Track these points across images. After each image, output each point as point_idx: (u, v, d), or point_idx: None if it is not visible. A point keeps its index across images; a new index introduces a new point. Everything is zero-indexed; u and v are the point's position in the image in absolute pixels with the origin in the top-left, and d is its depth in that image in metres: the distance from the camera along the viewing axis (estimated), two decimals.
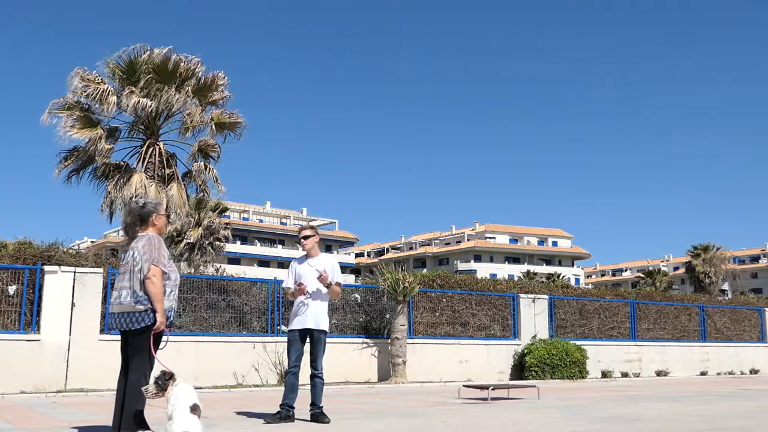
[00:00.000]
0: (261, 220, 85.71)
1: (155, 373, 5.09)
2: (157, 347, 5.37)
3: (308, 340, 7.11)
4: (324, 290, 7.12)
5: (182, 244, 39.11)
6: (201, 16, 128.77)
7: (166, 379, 5.00)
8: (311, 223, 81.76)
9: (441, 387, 13.78)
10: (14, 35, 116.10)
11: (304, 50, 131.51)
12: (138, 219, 5.66)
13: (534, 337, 16.84)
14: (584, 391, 12.85)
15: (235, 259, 66.43)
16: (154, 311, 5.31)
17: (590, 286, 38.52)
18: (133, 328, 5.31)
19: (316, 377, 7.02)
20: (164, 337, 5.52)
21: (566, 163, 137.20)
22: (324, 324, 7.12)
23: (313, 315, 7.04)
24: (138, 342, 5.35)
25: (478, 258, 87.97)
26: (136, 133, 18.05)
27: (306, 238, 7.26)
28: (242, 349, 13.30)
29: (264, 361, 13.38)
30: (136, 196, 16.63)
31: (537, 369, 15.79)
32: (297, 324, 7.08)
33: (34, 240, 13.35)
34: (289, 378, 7.04)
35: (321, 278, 7.00)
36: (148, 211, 5.66)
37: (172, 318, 5.53)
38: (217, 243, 41.12)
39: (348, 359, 14.42)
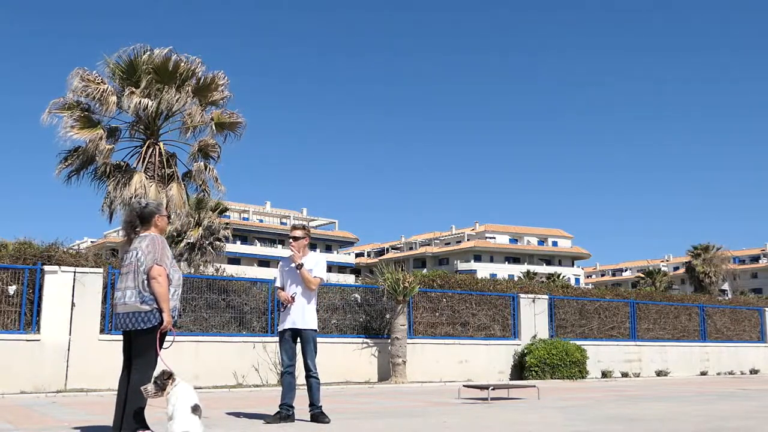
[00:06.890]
0: (261, 220, 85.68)
1: (155, 372, 5.10)
2: (161, 347, 5.38)
3: (298, 340, 7.04)
4: (309, 287, 7.02)
5: (182, 244, 39.14)
6: (201, 16, 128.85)
7: (165, 378, 5.00)
8: (311, 223, 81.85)
9: (441, 387, 13.78)
10: (14, 35, 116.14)
11: (304, 50, 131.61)
12: (138, 219, 5.66)
13: (534, 337, 16.84)
14: (584, 391, 12.85)
15: (235, 259, 66.38)
16: (159, 311, 5.31)
17: (590, 286, 38.53)
18: (139, 328, 5.32)
19: (310, 377, 6.96)
20: (169, 337, 5.54)
21: (566, 163, 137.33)
22: (311, 322, 7.02)
23: (299, 313, 6.96)
24: (143, 342, 5.34)
25: (478, 258, 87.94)
26: (137, 134, 18.03)
27: (296, 239, 7.16)
28: (242, 349, 13.30)
29: (264, 361, 13.39)
30: (136, 196, 16.64)
31: (537, 369, 15.78)
32: (284, 323, 7.03)
33: (34, 240, 13.31)
34: (285, 378, 7.02)
35: (292, 257, 6.98)
36: (150, 211, 5.66)
37: (176, 317, 5.55)
38: (217, 243, 41.17)
39: (348, 359, 14.42)
